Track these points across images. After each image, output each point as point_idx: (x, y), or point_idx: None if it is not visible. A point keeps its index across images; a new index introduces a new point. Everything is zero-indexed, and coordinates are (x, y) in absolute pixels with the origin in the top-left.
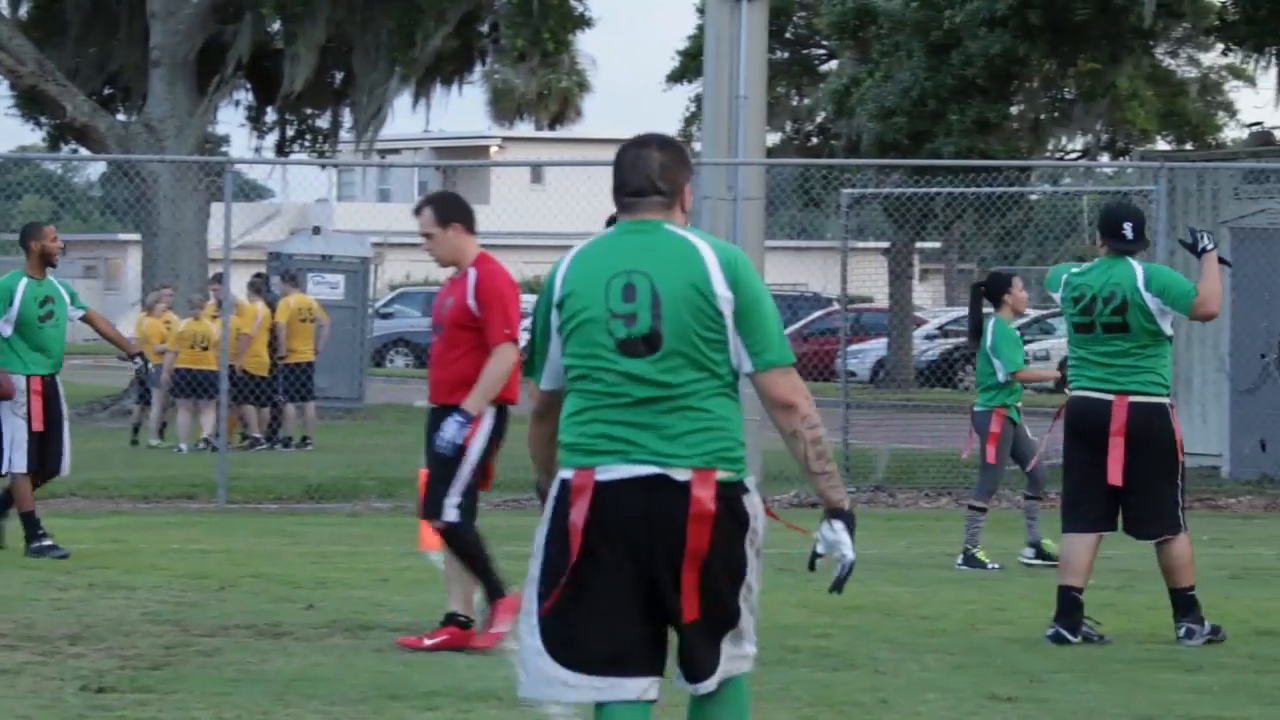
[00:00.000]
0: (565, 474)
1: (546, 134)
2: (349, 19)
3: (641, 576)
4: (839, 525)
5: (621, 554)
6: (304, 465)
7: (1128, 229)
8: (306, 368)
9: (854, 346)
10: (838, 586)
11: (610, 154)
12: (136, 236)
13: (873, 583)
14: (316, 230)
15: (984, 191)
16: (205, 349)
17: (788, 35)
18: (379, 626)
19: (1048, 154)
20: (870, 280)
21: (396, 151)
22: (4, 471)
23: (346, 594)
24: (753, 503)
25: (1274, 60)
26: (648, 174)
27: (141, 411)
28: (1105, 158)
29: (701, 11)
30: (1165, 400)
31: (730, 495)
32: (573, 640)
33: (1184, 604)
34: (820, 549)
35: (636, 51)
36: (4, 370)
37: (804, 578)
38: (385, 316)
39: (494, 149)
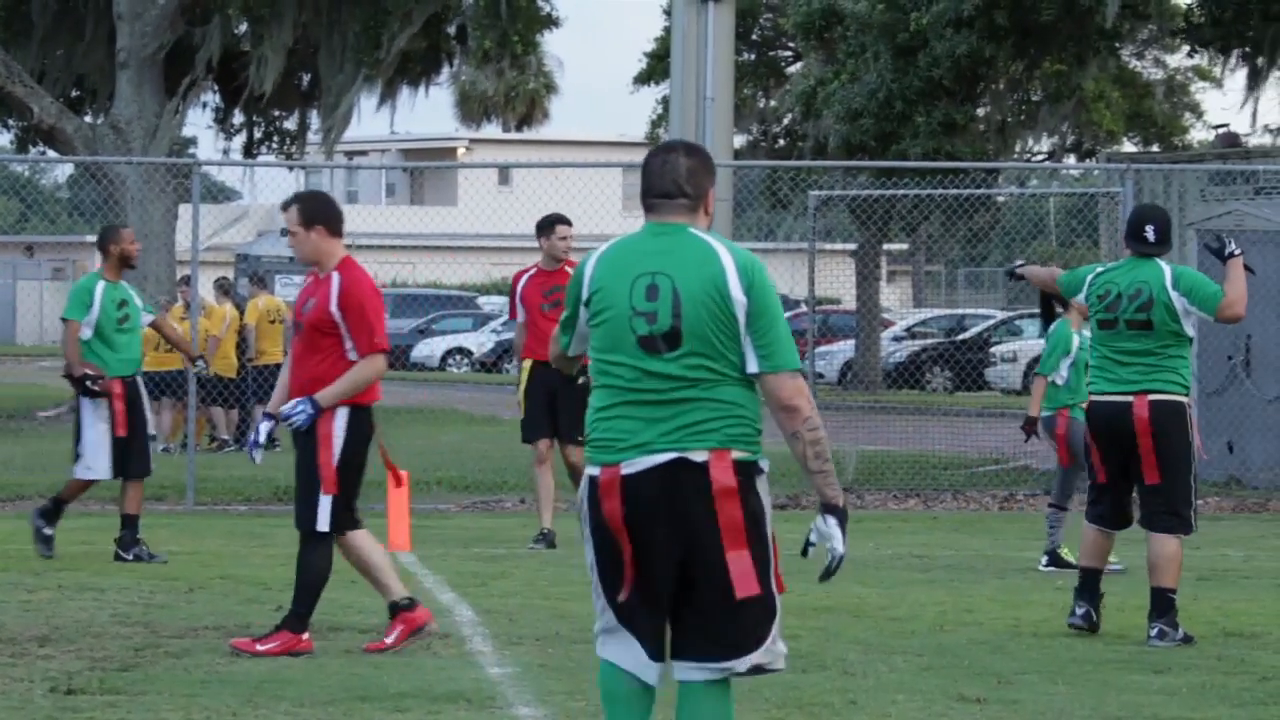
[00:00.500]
0: (593, 471)
1: (514, 135)
2: (315, 21)
3: (663, 560)
4: (832, 520)
5: (655, 538)
6: (273, 467)
7: (1150, 231)
8: (275, 369)
9: (821, 348)
10: (827, 575)
11: (578, 155)
12: None
13: (841, 584)
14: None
15: (951, 193)
16: (170, 350)
17: (754, 37)
18: (348, 628)
19: (1014, 156)
20: (837, 282)
21: (364, 153)
22: (83, 476)
23: None
24: (765, 487)
25: (1240, 62)
26: (675, 178)
27: None
28: (1071, 159)
29: (668, 13)
30: (1185, 399)
31: (748, 474)
32: (628, 614)
33: (1162, 605)
34: (814, 539)
35: (604, 53)
36: (97, 367)
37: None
38: None
39: (461, 151)
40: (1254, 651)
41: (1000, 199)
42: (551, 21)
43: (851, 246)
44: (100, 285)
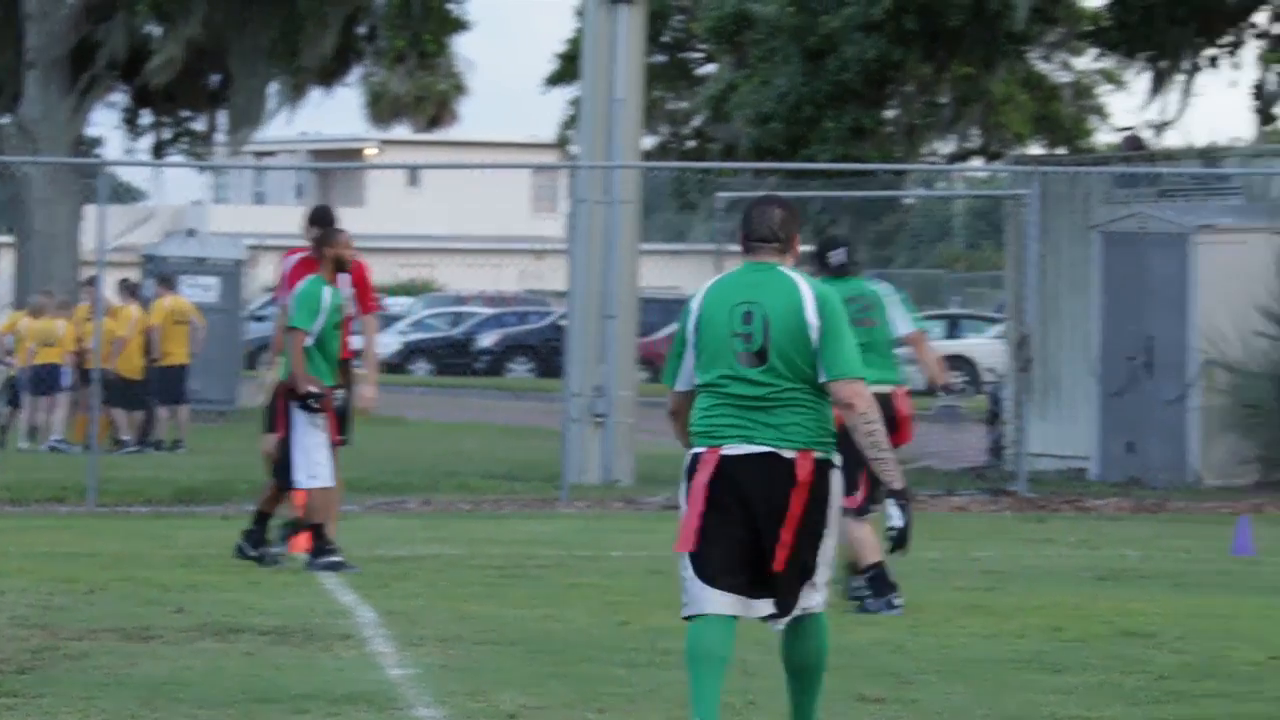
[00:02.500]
0: (696, 450)
1: (423, 137)
2: (227, 21)
3: (749, 530)
4: (890, 502)
5: (741, 508)
6: (175, 468)
7: (838, 256)
8: (180, 370)
9: None
10: (891, 550)
11: (488, 157)
12: (9, 239)
13: None
14: (191, 233)
15: (859, 196)
16: (50, 345)
17: (665, 39)
18: (249, 630)
19: (922, 158)
20: None
21: (272, 154)
22: (303, 486)
23: (216, 597)
24: (836, 478)
25: (1146, 66)
26: (771, 225)
27: (10, 414)
28: (979, 162)
29: (580, 15)
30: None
31: (823, 470)
32: (710, 568)
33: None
34: (886, 524)
35: (514, 54)
36: (318, 380)
37: (675, 580)
38: (260, 320)
39: (370, 151)
40: (1150, 651)
41: (908, 201)
42: (462, 25)
43: None
44: (327, 290)
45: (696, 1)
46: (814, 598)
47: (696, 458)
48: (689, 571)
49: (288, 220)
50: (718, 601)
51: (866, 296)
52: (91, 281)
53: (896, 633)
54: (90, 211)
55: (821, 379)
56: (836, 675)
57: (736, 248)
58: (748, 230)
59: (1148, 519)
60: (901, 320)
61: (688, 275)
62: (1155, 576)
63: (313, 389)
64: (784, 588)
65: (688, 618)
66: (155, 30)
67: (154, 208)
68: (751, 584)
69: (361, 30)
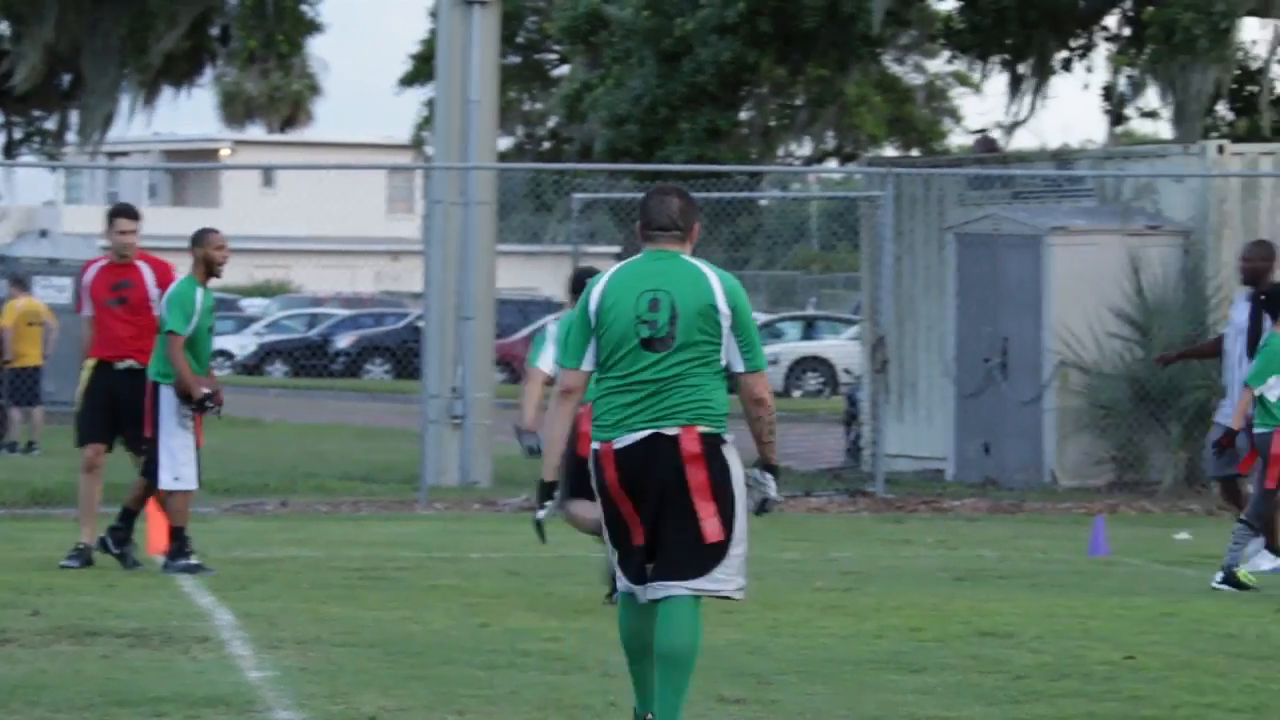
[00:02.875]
0: (596, 445)
1: (278, 137)
2: (78, 20)
3: (654, 511)
4: (769, 475)
5: (641, 496)
6: (30, 470)
7: None
8: (33, 372)
9: None
10: (760, 512)
11: (343, 157)
12: None
13: (603, 586)
14: (44, 233)
15: (714, 197)
16: None
17: (520, 40)
18: (106, 632)
19: (777, 160)
20: None
21: (125, 154)
22: (167, 487)
23: (73, 600)
24: (732, 453)
25: (999, 68)
26: (670, 214)
27: None
28: (833, 163)
29: (434, 15)
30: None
31: (713, 443)
32: (631, 563)
33: None
34: (751, 483)
35: (369, 55)
36: (207, 380)
37: (535, 582)
38: None
39: (224, 152)
40: (1008, 650)
41: (763, 203)
42: (316, 26)
43: (616, 249)
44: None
45: (550, 2)
46: (733, 585)
47: (596, 455)
48: (617, 565)
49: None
50: (624, 583)
51: None
52: None
53: (756, 633)
54: None
55: (738, 369)
56: (696, 676)
57: (594, 248)
58: (648, 219)
59: (1004, 519)
60: None
61: (545, 276)
62: (1012, 577)
63: (205, 390)
64: (673, 565)
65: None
66: (3, 29)
67: (5, 208)
68: (640, 569)
69: (214, 31)
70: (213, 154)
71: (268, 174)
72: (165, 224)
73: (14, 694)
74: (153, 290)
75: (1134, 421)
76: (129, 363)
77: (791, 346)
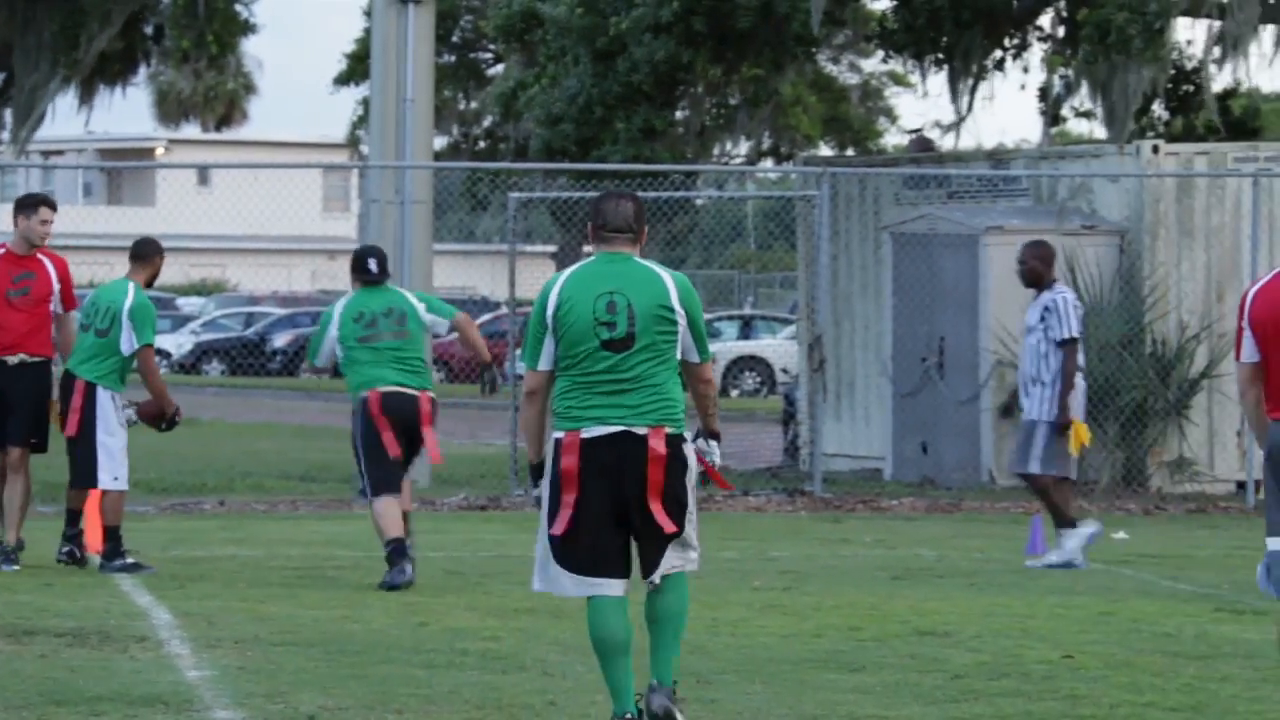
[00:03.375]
0: (557, 435)
1: (213, 136)
2: (9, 19)
3: (616, 505)
4: (714, 442)
5: (603, 489)
6: None
7: (372, 265)
8: None
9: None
10: (699, 483)
11: (278, 156)
12: None
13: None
14: None
15: (650, 196)
16: None
17: (455, 39)
18: (43, 631)
19: (713, 159)
20: (538, 283)
21: (60, 153)
22: (107, 487)
23: (10, 599)
24: (689, 450)
25: (933, 68)
26: (625, 217)
27: None
28: (769, 163)
29: (369, 14)
30: None
31: (675, 444)
32: (573, 552)
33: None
34: (702, 448)
35: (304, 54)
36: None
37: (474, 581)
38: None
39: (159, 151)
40: (947, 650)
41: (699, 202)
42: (249, 27)
43: (552, 248)
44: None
45: (485, 1)
46: (687, 558)
47: (558, 443)
48: (550, 554)
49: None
50: (568, 585)
51: (401, 308)
52: None
53: (694, 633)
54: None
55: (693, 360)
56: (635, 675)
57: (532, 247)
58: (602, 222)
59: (942, 519)
60: (441, 314)
61: (481, 275)
62: (950, 576)
63: (175, 405)
64: (656, 550)
65: (539, 591)
66: None
67: None
68: (610, 562)
69: (148, 29)
70: (148, 153)
71: (203, 173)
72: (100, 223)
73: None
74: (55, 285)
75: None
76: (21, 356)
77: (729, 346)
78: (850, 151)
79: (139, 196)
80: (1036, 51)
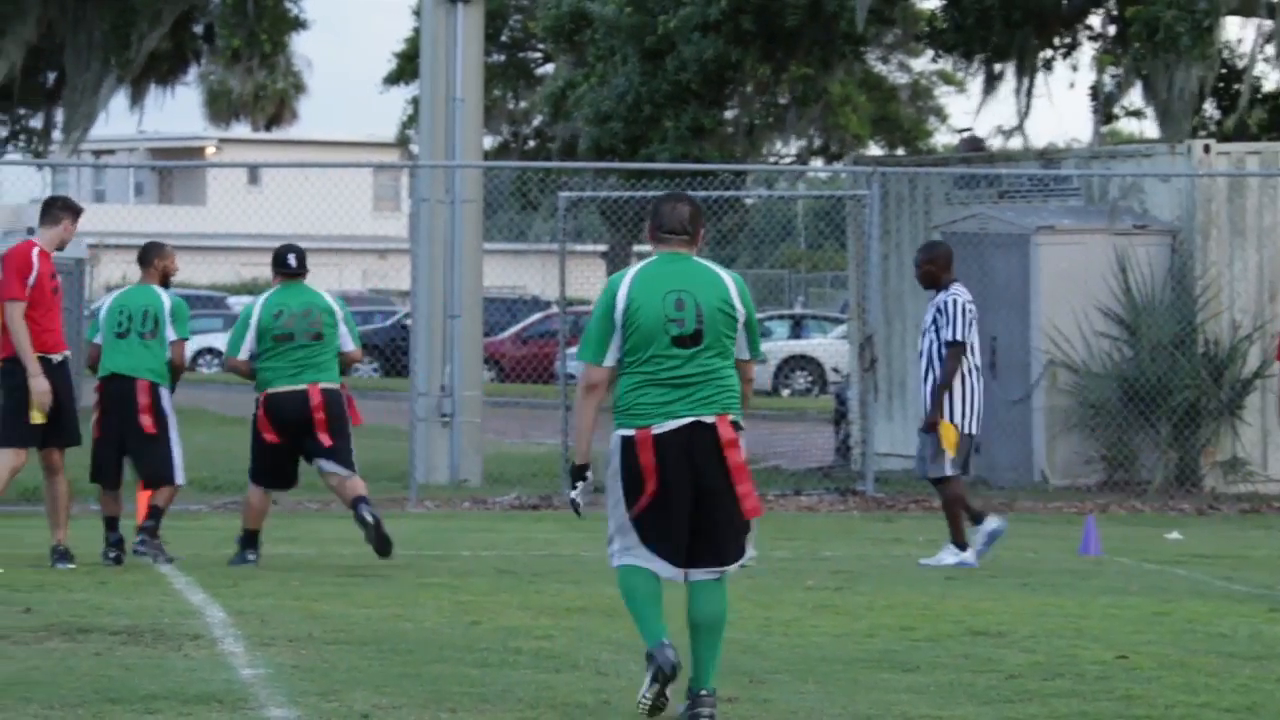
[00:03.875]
0: (627, 432)
1: (263, 135)
2: (61, 18)
3: (691, 494)
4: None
5: (681, 480)
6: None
7: (291, 259)
8: None
9: (573, 349)
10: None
11: (328, 156)
12: None
13: (594, 584)
14: (31, 231)
15: (699, 195)
16: None
17: (504, 38)
18: (98, 630)
19: (762, 159)
20: (589, 283)
21: (111, 152)
22: (181, 482)
23: (65, 597)
24: (743, 439)
25: (982, 67)
26: (682, 220)
27: None
28: (819, 162)
29: (418, 14)
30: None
31: (738, 429)
32: (657, 537)
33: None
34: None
35: (353, 53)
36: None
37: (526, 580)
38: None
39: (210, 150)
40: (1000, 650)
41: (749, 201)
42: (299, 24)
43: (602, 247)
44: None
45: (534, 1)
46: (751, 554)
47: (629, 440)
48: (629, 531)
49: (128, 219)
50: (646, 558)
51: (320, 309)
52: None
53: (748, 632)
54: None
55: (743, 356)
56: (688, 675)
57: (582, 247)
58: (660, 223)
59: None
60: (351, 336)
61: (531, 274)
62: (1004, 576)
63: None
64: (734, 536)
65: (618, 566)
66: None
67: None
68: (676, 551)
69: (198, 29)
70: (199, 152)
71: (253, 172)
72: (152, 222)
73: (6, 691)
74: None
75: (1123, 421)
76: (65, 354)
77: (779, 345)
78: (900, 151)
79: (190, 196)
80: (1087, 51)
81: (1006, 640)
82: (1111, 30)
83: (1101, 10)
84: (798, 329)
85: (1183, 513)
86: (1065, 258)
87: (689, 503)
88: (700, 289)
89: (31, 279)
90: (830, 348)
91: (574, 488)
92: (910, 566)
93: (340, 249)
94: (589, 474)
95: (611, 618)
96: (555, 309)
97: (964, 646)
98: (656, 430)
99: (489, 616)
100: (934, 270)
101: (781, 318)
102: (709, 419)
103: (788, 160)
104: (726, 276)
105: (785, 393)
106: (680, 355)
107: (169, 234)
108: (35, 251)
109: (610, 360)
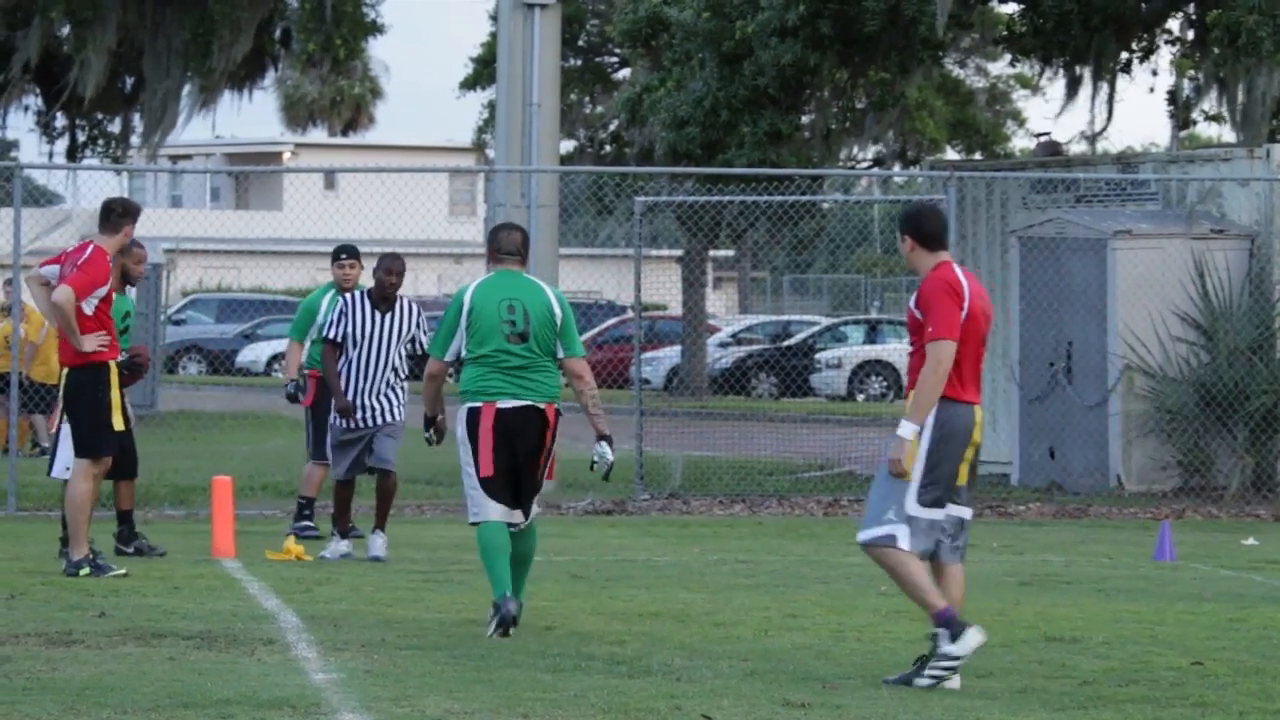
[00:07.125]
0: (474, 404)
1: (339, 140)
2: (140, 24)
3: (515, 459)
4: (604, 444)
5: (512, 446)
6: None
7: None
8: None
9: (648, 354)
10: (606, 475)
11: (404, 160)
12: None
13: (667, 589)
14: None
15: (776, 200)
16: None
17: (580, 43)
18: (171, 634)
19: (839, 163)
20: (664, 288)
21: (188, 157)
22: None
23: (139, 602)
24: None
25: (1060, 71)
26: (515, 244)
27: None
28: (896, 167)
29: (495, 19)
30: None
31: (558, 415)
32: (494, 490)
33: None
34: (596, 458)
35: (430, 58)
36: None
37: (599, 585)
38: (177, 323)
39: (286, 155)
40: (1074, 656)
41: (825, 206)
42: (376, 28)
43: (678, 253)
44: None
45: (611, 5)
46: (537, 509)
47: (476, 411)
48: (478, 491)
49: (204, 224)
50: (495, 511)
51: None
52: (8, 284)
53: (821, 638)
54: (5, 215)
55: (560, 355)
56: (761, 680)
57: (658, 252)
58: (498, 246)
59: (1070, 524)
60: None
61: (607, 279)
62: (1078, 582)
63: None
64: (529, 499)
65: (474, 523)
66: (68, 32)
67: (70, 210)
68: (513, 499)
69: (276, 34)
70: (275, 157)
71: (330, 177)
72: (228, 227)
73: (81, 695)
74: None
75: (1200, 426)
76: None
77: (855, 350)
78: (977, 155)
79: (266, 201)
80: (1165, 55)
81: (1081, 646)
82: (1190, 34)
83: (1180, 14)
84: (873, 334)
85: (1259, 518)
86: (1142, 262)
87: (512, 462)
88: (529, 298)
89: (103, 291)
90: (906, 353)
91: (428, 431)
92: (983, 572)
93: (416, 253)
94: (440, 418)
95: (684, 623)
96: (631, 314)
97: (1038, 652)
98: (501, 405)
99: (562, 621)
100: None
101: (857, 323)
102: (541, 405)
103: (864, 165)
104: (548, 289)
105: (860, 398)
106: (514, 350)
107: (245, 239)
108: (109, 260)
109: (450, 355)
